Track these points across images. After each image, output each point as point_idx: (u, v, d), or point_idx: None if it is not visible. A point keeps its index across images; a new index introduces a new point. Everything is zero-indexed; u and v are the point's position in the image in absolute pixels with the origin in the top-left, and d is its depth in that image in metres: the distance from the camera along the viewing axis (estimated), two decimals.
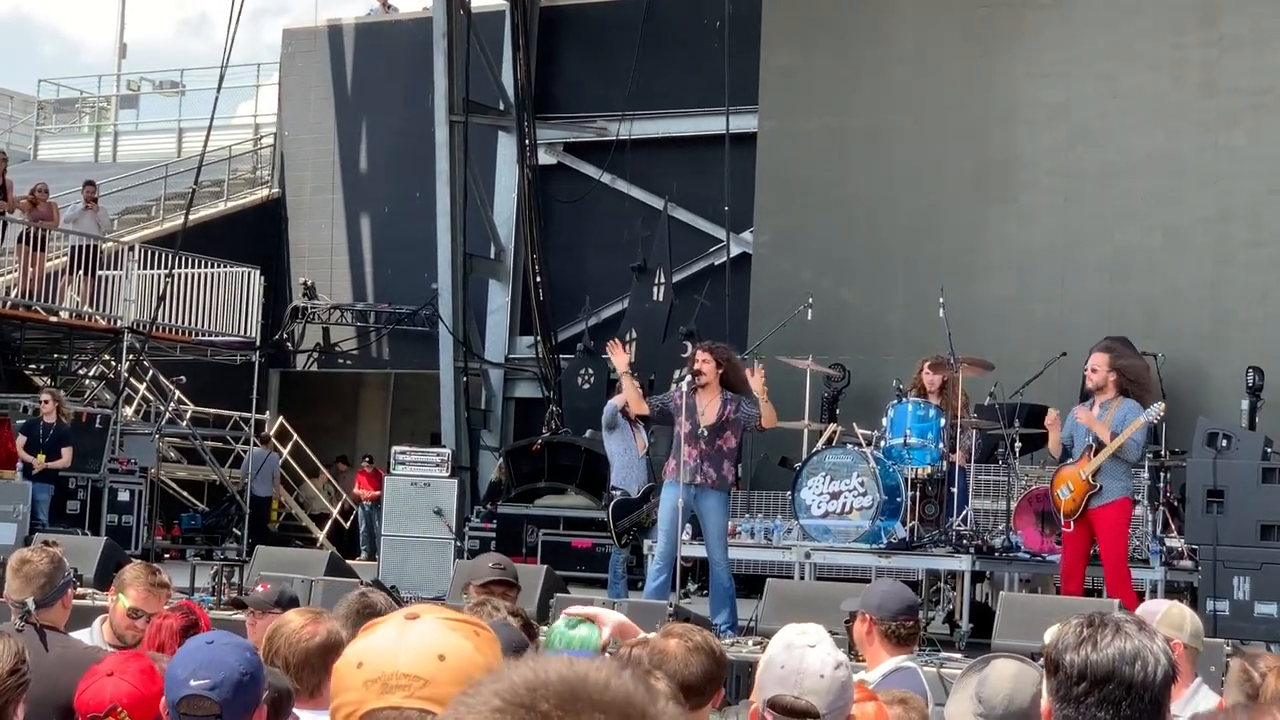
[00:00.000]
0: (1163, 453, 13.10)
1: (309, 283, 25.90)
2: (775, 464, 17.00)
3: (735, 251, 20.84)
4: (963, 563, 11.36)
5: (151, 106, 33.35)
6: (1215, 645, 8.08)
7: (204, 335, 21.29)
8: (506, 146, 23.65)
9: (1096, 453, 10.40)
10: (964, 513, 11.82)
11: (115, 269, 21.19)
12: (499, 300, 23.66)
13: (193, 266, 21.54)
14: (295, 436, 24.88)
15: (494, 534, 18.28)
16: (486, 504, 20.16)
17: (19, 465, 16.72)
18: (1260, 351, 15.94)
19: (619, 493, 13.07)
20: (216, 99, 19.12)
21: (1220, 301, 17.31)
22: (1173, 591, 11.30)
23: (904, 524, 11.75)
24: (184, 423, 22.15)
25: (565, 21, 24.05)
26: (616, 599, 11.08)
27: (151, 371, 21.89)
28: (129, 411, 21.04)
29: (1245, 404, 14.85)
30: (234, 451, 22.65)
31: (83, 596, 8.88)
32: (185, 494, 23.35)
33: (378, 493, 19.60)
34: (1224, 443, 11.04)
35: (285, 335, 25.92)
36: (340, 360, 26.48)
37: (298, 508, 24.97)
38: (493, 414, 23.09)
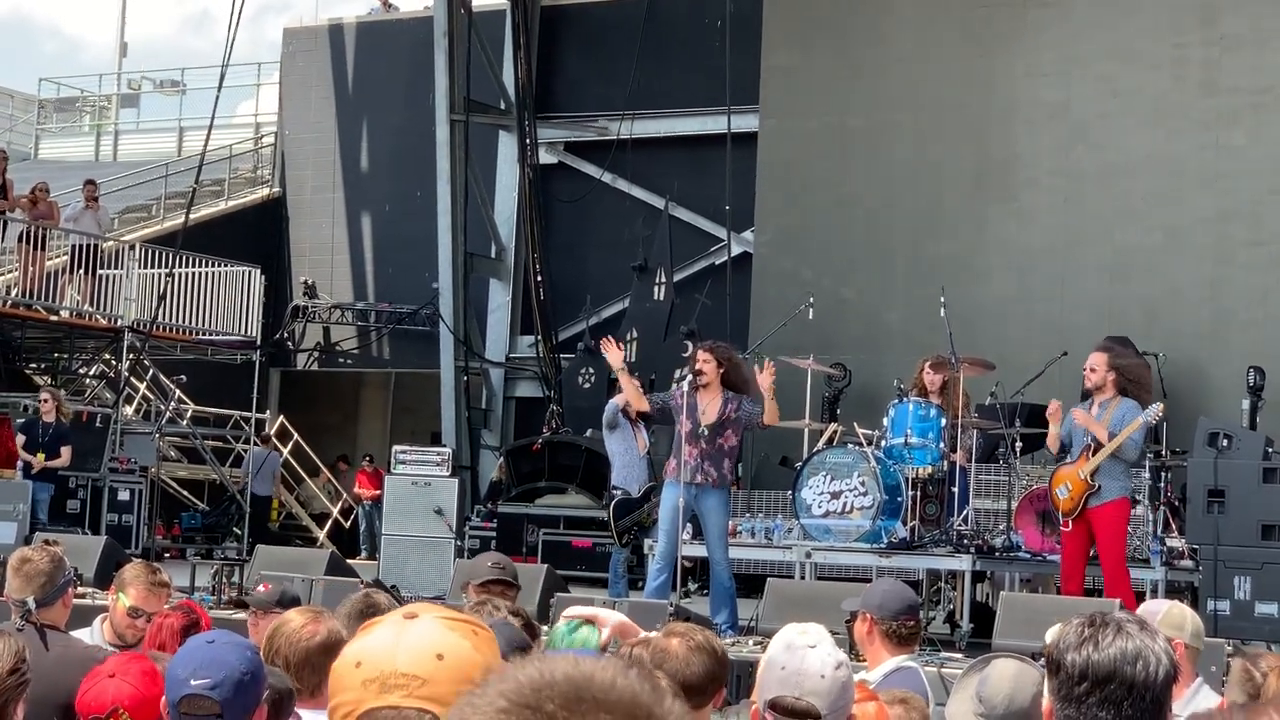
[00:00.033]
0: (1163, 452, 13.10)
1: (310, 282, 25.91)
2: (776, 463, 17.00)
3: (736, 251, 20.84)
4: (963, 562, 11.36)
5: (152, 105, 33.37)
6: (1216, 645, 8.08)
7: (204, 334, 21.29)
8: (507, 146, 23.65)
9: (1095, 452, 10.40)
10: (965, 512, 11.82)
11: (116, 268, 21.19)
12: (500, 299, 23.66)
13: (193, 266, 21.54)
14: (296, 436, 24.89)
15: (494, 533, 18.28)
16: (487, 503, 20.17)
17: (19, 464, 16.71)
18: (1261, 351, 15.93)
19: (620, 492, 13.07)
20: (217, 98, 19.13)
21: (1221, 301, 17.30)
22: (1173, 591, 11.30)
23: (905, 524, 11.75)
24: (184, 422, 22.15)
25: (566, 21, 24.06)
26: (617, 598, 11.09)
27: (152, 371, 21.90)
28: (129, 411, 21.04)
29: (1246, 404, 14.84)
30: (234, 451, 22.65)
31: (83, 596, 8.88)
32: (185, 493, 23.36)
33: (378, 492, 19.60)
34: (1225, 442, 11.04)
35: (286, 334, 25.92)
36: (341, 359, 26.48)
37: (298, 507, 24.97)
38: (493, 413, 23.09)
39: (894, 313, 18.55)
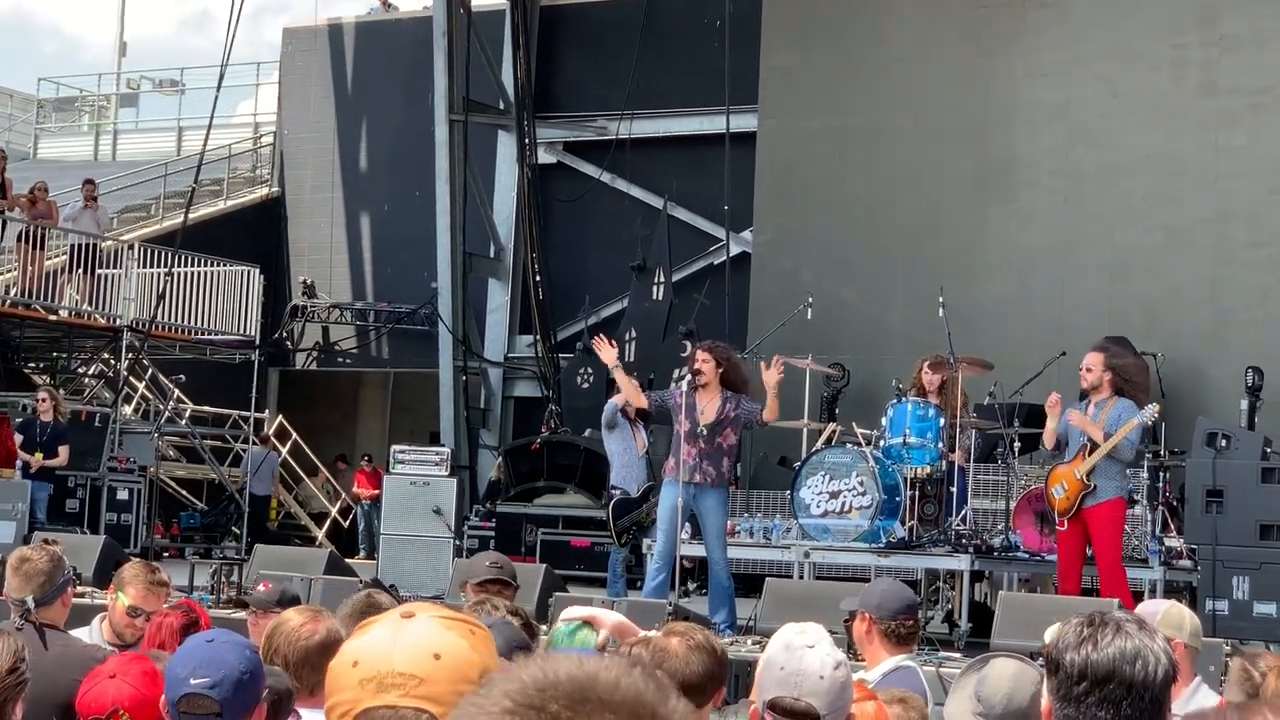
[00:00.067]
0: (1162, 452, 13.10)
1: (308, 281, 25.91)
2: (774, 463, 17.00)
3: (735, 251, 20.85)
4: (962, 562, 11.35)
5: (151, 105, 33.38)
6: (1214, 645, 8.08)
7: (203, 334, 21.29)
8: (506, 145, 23.65)
9: (1091, 452, 10.41)
10: (963, 512, 11.81)
11: (115, 267, 21.19)
12: (498, 299, 23.66)
13: (192, 265, 21.55)
14: (294, 435, 24.88)
15: (493, 533, 18.28)
16: (485, 503, 20.17)
17: (18, 464, 16.71)
18: (1260, 351, 15.94)
19: (619, 492, 13.07)
20: (216, 97, 19.14)
21: (1220, 301, 17.31)
22: (1172, 591, 11.31)
23: (903, 523, 11.75)
24: (183, 421, 22.16)
25: (565, 20, 24.06)
26: (616, 598, 11.09)
27: (151, 370, 21.90)
28: (128, 410, 21.04)
29: (1245, 404, 14.85)
30: (233, 450, 22.65)
31: (82, 595, 8.88)
32: (184, 493, 23.36)
33: (377, 491, 19.60)
34: (1223, 442, 11.04)
35: (284, 334, 25.92)
36: (339, 359, 26.48)
37: (297, 506, 24.96)
38: (492, 413, 23.09)
39: (893, 313, 18.55)
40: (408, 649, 2.01)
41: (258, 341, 21.10)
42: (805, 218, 19.67)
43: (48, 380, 20.84)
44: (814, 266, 19.07)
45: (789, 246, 19.68)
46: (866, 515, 11.67)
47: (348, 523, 24.33)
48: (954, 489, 11.99)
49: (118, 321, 20.57)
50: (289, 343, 26.26)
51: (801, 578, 11.65)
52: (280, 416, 25.11)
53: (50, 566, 5.43)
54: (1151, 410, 10.43)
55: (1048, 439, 10.82)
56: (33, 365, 22.05)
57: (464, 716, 1.53)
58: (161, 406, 21.43)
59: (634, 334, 20.48)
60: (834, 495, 11.82)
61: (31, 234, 20.00)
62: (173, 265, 20.54)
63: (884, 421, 12.08)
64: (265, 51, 55.23)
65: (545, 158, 23.54)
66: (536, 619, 6.57)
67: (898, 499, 11.75)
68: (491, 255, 23.32)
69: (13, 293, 20.51)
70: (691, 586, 13.93)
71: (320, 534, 24.13)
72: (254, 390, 19.83)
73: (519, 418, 23.29)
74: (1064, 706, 2.82)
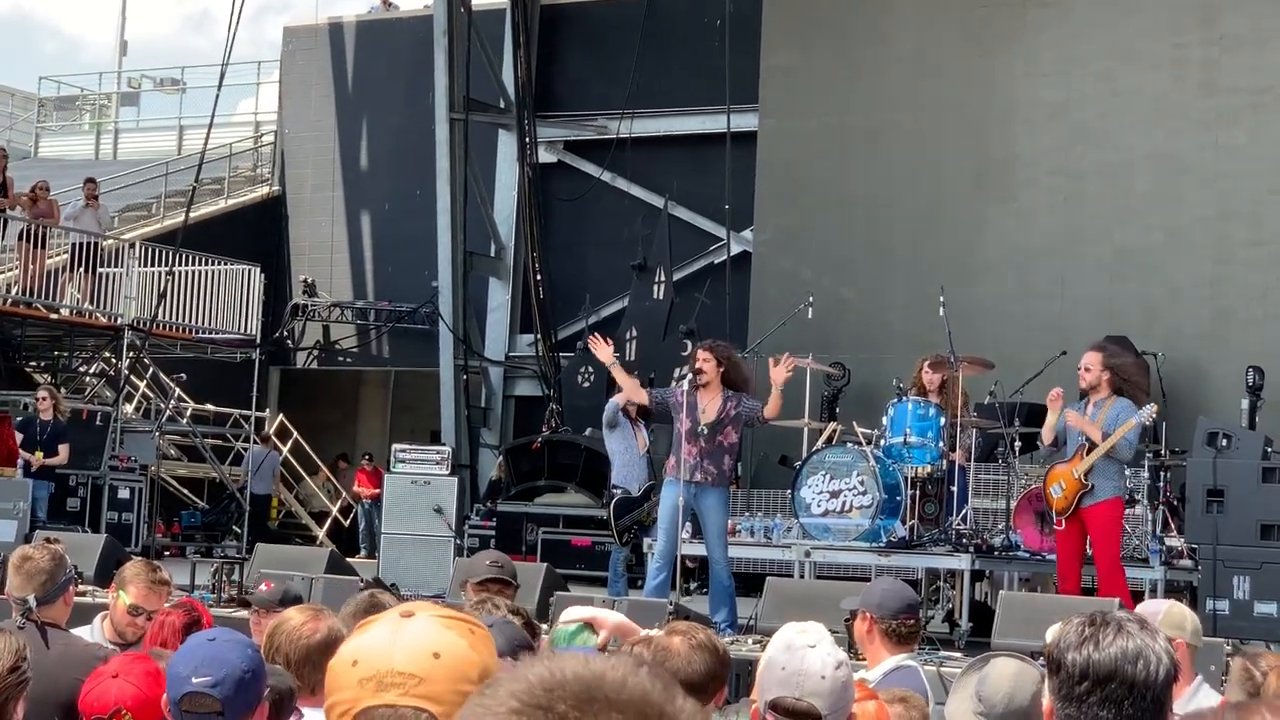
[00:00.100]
0: (1163, 452, 13.10)
1: (309, 280, 25.91)
2: (775, 462, 17.00)
3: (735, 250, 20.85)
4: (962, 561, 11.36)
5: (152, 104, 33.37)
6: (1215, 645, 8.09)
7: (204, 333, 21.29)
8: (507, 144, 23.65)
9: (1089, 451, 10.41)
10: (964, 511, 11.82)
11: (116, 266, 21.19)
12: (499, 298, 23.66)
13: (193, 264, 21.55)
14: (295, 434, 24.88)
15: (494, 532, 18.28)
16: (486, 502, 20.17)
17: (20, 462, 16.71)
18: (1260, 351, 15.94)
19: (620, 491, 13.08)
20: (217, 96, 19.12)
21: (1220, 301, 17.31)
22: (1172, 591, 11.31)
23: (904, 523, 11.75)
24: (184, 420, 22.16)
25: (566, 20, 24.06)
26: (616, 597, 11.09)
27: (152, 369, 21.90)
28: (129, 409, 21.04)
29: (1245, 403, 14.85)
30: (234, 449, 22.66)
31: (83, 594, 8.88)
32: (185, 491, 23.36)
33: (377, 490, 19.60)
34: (1224, 442, 11.04)
35: (285, 333, 25.93)
36: (340, 358, 26.49)
37: (297, 505, 24.97)
38: (493, 412, 23.09)
39: (893, 312, 18.55)
40: (407, 648, 2.01)
41: (259, 340, 21.11)
42: (806, 217, 19.67)
43: (49, 379, 20.84)
44: (814, 266, 19.07)
45: (789, 246, 19.68)
46: (867, 514, 11.67)
47: (348, 522, 24.34)
48: (955, 488, 12.00)
49: (119, 320, 20.57)
50: (290, 342, 26.27)
51: (802, 577, 11.66)
52: (281, 415, 25.12)
53: (52, 565, 5.43)
54: (1149, 410, 10.43)
55: (1045, 434, 10.81)
56: (34, 364, 22.05)
57: (470, 717, 1.53)
58: (162, 405, 21.42)
59: (635, 333, 20.48)
60: (835, 494, 11.82)
61: (32, 233, 20.01)
62: (174, 264, 20.55)
63: (885, 421, 12.09)
64: (266, 50, 55.27)
65: (546, 157, 23.54)
66: (537, 618, 6.57)
67: (898, 498, 11.75)
68: (492, 254, 23.32)
69: (14, 291, 20.51)
70: (692, 586, 13.94)
71: (321, 533, 24.14)
72: (255, 389, 19.85)
73: (520, 417, 23.29)
74: (1065, 706, 2.82)
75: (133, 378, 21.25)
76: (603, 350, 11.12)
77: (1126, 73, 17.99)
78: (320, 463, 25.51)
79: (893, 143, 19.15)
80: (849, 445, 12.15)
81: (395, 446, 15.57)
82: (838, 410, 16.67)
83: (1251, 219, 17.25)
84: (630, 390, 11.49)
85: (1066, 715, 2.82)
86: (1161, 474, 12.75)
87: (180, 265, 20.85)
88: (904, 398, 12.06)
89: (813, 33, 19.95)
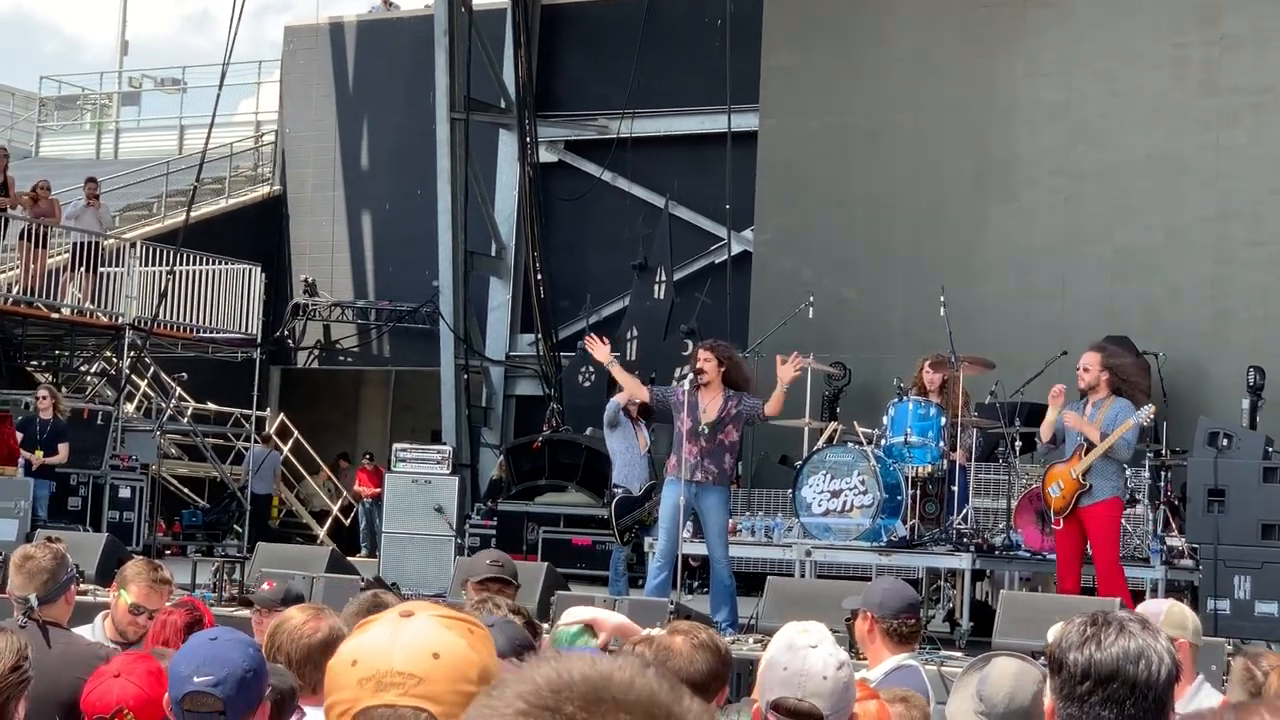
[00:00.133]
0: (1164, 452, 13.10)
1: (310, 280, 25.91)
2: (776, 462, 17.00)
3: (736, 250, 20.85)
4: (963, 561, 11.36)
5: (153, 103, 33.36)
6: (1216, 644, 8.09)
7: (205, 332, 21.29)
8: (507, 144, 23.65)
9: (1088, 451, 10.41)
10: (964, 511, 11.82)
11: (116, 266, 21.20)
12: (500, 298, 23.66)
13: (194, 263, 21.57)
14: (296, 433, 24.89)
15: (494, 531, 18.28)
16: (487, 501, 20.17)
17: (21, 461, 16.71)
18: (1261, 350, 15.93)
19: (621, 490, 13.08)
20: (218, 96, 19.12)
21: (1221, 300, 17.31)
22: (1173, 590, 11.31)
23: (904, 522, 11.75)
24: (185, 419, 22.16)
25: (566, 19, 24.06)
26: (617, 596, 11.09)
27: (153, 368, 21.90)
28: (130, 408, 21.05)
29: (1246, 403, 14.83)
30: (235, 448, 22.66)
31: (84, 593, 8.88)
32: (186, 491, 23.36)
33: (378, 490, 19.60)
34: (1225, 442, 11.05)
35: (286, 332, 25.93)
36: (341, 357, 26.49)
37: (298, 505, 24.97)
38: (493, 411, 23.09)
39: (894, 312, 18.54)
40: (406, 648, 2.01)
41: (259, 340, 21.10)
42: (806, 217, 19.67)
43: (49, 378, 20.85)
44: (815, 265, 19.07)
45: (790, 246, 19.68)
46: (868, 514, 11.67)
47: (349, 521, 24.35)
48: (955, 488, 12.00)
49: (120, 320, 20.58)
50: (290, 341, 26.27)
51: (803, 576, 11.66)
52: (282, 415, 25.12)
53: (54, 564, 5.43)
54: (1147, 411, 10.42)
55: (1044, 431, 10.79)
56: (35, 363, 22.06)
57: (477, 717, 1.53)
58: (163, 405, 21.42)
59: (635, 333, 20.48)
60: (835, 494, 11.82)
61: (33, 232, 20.01)
62: (174, 263, 20.56)
63: (885, 420, 12.09)
64: (267, 50, 55.27)
65: (546, 156, 23.54)
66: (538, 618, 6.57)
67: (899, 498, 11.75)
68: (493, 254, 23.32)
69: (15, 291, 20.52)
70: (694, 585, 13.95)
71: (322, 532, 24.15)
72: (256, 388, 19.83)
73: (520, 416, 23.30)
74: (1067, 706, 2.82)
75: (134, 377, 21.26)
76: (600, 350, 11.13)
77: (1127, 73, 17.99)
78: (321, 462, 25.51)
79: (893, 143, 19.14)
80: (850, 445, 12.14)
81: (396, 446, 15.57)
82: (838, 410, 16.67)
83: (1252, 219, 17.25)
84: (631, 388, 11.51)
85: (1068, 715, 2.82)
86: (1162, 474, 12.75)
87: (181, 265, 20.86)
88: (905, 397, 12.06)
89: (813, 33, 19.95)
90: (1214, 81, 17.54)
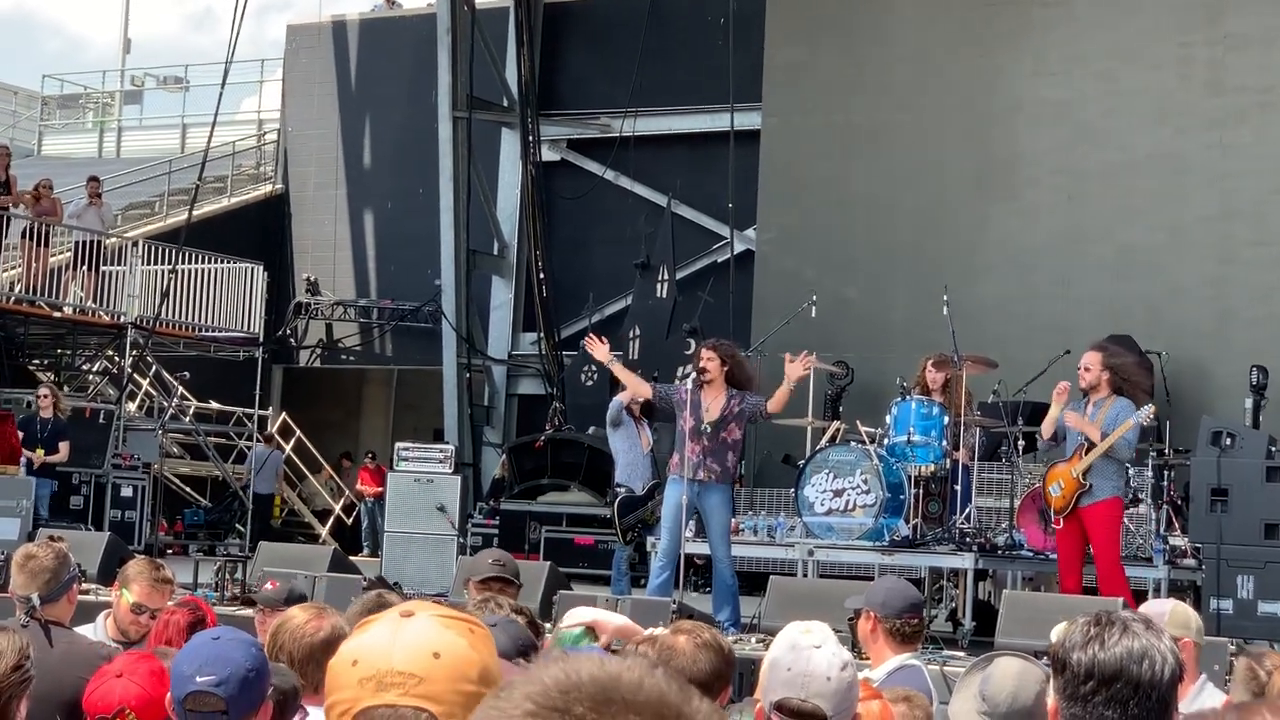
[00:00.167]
0: (1166, 451, 13.09)
1: (312, 279, 25.91)
2: (778, 461, 17.00)
3: (739, 249, 20.85)
4: (966, 560, 11.35)
5: (155, 102, 33.38)
6: (1219, 644, 8.08)
7: (207, 331, 21.31)
8: (510, 143, 23.65)
9: (1088, 451, 10.41)
10: (967, 510, 11.81)
11: (119, 264, 21.21)
12: (502, 296, 23.66)
13: (196, 262, 21.57)
14: (298, 432, 24.90)
15: (497, 530, 18.28)
16: (489, 500, 20.17)
17: (23, 460, 16.71)
18: (1264, 350, 15.91)
19: (624, 489, 13.07)
20: (220, 95, 19.13)
21: (1224, 300, 17.29)
22: (1176, 590, 11.30)
23: (907, 521, 11.75)
24: (187, 418, 22.17)
25: (569, 18, 24.06)
26: (620, 596, 11.08)
27: (155, 367, 21.90)
28: (132, 407, 21.06)
29: (1249, 403, 14.82)
30: (237, 447, 22.67)
31: (86, 592, 8.88)
32: (188, 490, 23.37)
33: (380, 489, 19.61)
34: (1228, 441, 11.03)
35: (288, 331, 25.93)
36: (343, 356, 26.49)
37: (300, 504, 24.98)
38: (496, 410, 23.10)
39: (896, 311, 18.53)
40: (407, 648, 2.00)
41: (262, 338, 21.13)
42: (809, 216, 19.66)
43: (52, 377, 20.85)
44: (817, 264, 19.06)
45: (792, 244, 19.67)
46: (870, 513, 11.66)
47: (351, 520, 24.35)
48: (958, 487, 11.99)
49: (122, 318, 20.59)
50: (293, 340, 26.27)
51: (805, 576, 11.65)
52: (284, 413, 25.13)
53: (56, 563, 5.43)
54: (1147, 411, 10.41)
55: (1045, 428, 10.77)
56: (37, 362, 22.06)
57: (485, 718, 1.52)
58: (165, 403, 21.43)
59: (638, 332, 20.47)
60: (838, 493, 11.82)
61: (36, 231, 20.02)
62: (177, 262, 20.57)
63: (888, 419, 12.08)
64: (269, 48, 55.29)
65: (549, 155, 23.54)
66: (540, 617, 6.56)
67: (902, 497, 11.75)
68: (495, 252, 23.32)
69: (17, 289, 20.52)
70: (696, 583, 13.95)
71: (324, 531, 24.16)
72: (258, 387, 19.87)
73: (523, 415, 23.30)
74: (1070, 706, 2.81)
75: (136, 376, 21.26)
76: (599, 350, 11.13)
77: (1130, 72, 17.98)
78: (323, 461, 25.52)
79: (896, 142, 19.13)
80: (852, 444, 12.14)
81: (398, 445, 15.57)
82: (841, 409, 16.66)
83: (1256, 219, 17.23)
84: (633, 385, 11.51)
85: (1072, 715, 2.81)
86: (1165, 473, 12.74)
87: (183, 263, 20.87)
88: (907, 397, 12.06)
89: (816, 31, 19.94)
90: (1218, 81, 17.52)
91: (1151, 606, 5.58)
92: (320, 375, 27.25)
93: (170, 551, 18.82)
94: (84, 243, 20.56)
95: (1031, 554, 11.68)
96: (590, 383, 20.83)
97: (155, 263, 21.35)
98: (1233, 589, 10.68)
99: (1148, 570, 11.41)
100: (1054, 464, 10.80)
